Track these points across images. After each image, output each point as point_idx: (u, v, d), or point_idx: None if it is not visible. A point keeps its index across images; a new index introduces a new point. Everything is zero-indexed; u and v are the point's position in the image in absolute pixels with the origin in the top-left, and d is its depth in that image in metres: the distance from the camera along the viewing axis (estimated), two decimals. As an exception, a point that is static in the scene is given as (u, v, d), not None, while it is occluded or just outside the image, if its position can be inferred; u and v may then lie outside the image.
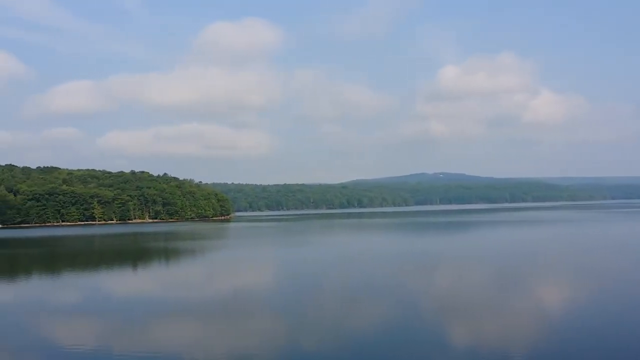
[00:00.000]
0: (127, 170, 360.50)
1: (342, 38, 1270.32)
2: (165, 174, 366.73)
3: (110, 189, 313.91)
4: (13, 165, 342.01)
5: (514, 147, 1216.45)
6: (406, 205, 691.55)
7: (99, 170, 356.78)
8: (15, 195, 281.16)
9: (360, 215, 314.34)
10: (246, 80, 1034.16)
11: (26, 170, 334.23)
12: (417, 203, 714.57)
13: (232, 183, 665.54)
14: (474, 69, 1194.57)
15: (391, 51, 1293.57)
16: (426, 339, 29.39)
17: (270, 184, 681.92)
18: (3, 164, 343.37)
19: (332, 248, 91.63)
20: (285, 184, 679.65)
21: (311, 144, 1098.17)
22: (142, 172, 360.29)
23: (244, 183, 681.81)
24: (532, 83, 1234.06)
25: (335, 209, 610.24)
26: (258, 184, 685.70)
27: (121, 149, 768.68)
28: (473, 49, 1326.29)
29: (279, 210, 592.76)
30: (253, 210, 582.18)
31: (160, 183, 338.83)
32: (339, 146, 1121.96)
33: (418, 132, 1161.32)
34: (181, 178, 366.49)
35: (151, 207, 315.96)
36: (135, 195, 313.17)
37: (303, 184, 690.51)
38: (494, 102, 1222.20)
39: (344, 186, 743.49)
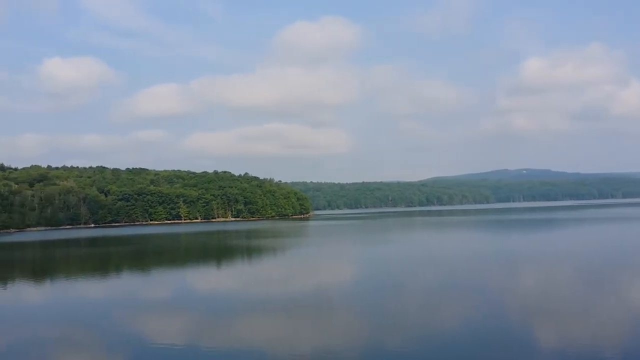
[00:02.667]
0: (210, 170, 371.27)
1: (421, 33, 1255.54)
2: (246, 173, 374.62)
3: (194, 188, 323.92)
4: (104, 167, 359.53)
5: (602, 141, 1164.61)
6: (487, 202, 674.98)
7: (184, 171, 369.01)
8: (106, 195, 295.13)
9: (439, 213, 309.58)
10: (325, 79, 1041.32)
11: (116, 171, 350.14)
12: (499, 200, 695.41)
13: (311, 182, 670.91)
14: (560, 61, 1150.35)
15: (471, 45, 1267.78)
16: (512, 338, 28.46)
17: (348, 182, 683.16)
18: (94, 165, 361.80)
19: (412, 246, 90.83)
20: (363, 182, 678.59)
21: (389, 142, 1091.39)
22: (225, 172, 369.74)
23: (323, 182, 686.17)
24: (621, 74, 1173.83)
25: (414, 206, 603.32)
26: (336, 182, 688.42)
27: (205, 150, 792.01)
28: (558, 41, 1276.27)
29: (357, 208, 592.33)
30: (332, 209, 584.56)
31: (241, 182, 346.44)
32: (417, 143, 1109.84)
33: (499, 127, 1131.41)
34: (262, 177, 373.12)
35: (233, 206, 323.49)
36: (218, 195, 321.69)
37: (381, 182, 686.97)
38: (581, 95, 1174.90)
39: (423, 184, 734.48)
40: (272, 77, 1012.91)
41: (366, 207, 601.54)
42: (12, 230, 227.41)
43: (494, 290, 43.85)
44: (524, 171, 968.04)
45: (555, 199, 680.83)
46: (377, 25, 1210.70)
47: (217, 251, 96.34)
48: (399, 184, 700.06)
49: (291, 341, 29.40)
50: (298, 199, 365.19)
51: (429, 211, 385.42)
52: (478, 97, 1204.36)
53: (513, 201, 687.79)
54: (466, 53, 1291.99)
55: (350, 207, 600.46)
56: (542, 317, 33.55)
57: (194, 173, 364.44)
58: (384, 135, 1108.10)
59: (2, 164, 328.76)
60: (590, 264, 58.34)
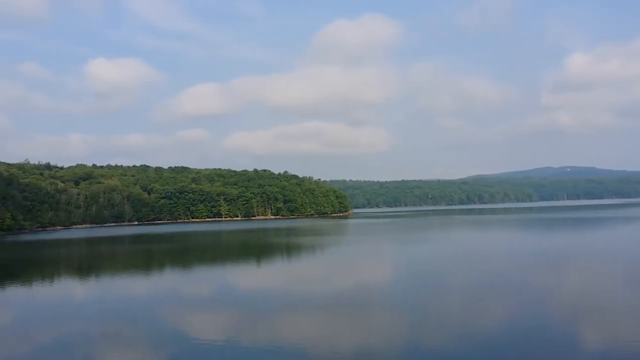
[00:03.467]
0: (250, 169, 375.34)
1: (462, 30, 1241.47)
2: (285, 171, 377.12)
3: (235, 187, 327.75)
4: (147, 166, 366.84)
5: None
6: (530, 201, 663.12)
7: (225, 169, 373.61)
8: (149, 193, 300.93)
9: (481, 212, 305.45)
10: (364, 77, 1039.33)
11: (159, 170, 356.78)
12: (542, 199, 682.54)
13: (350, 180, 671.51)
14: (605, 57, 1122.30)
15: (514, 41, 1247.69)
16: (554, 339, 27.83)
17: (388, 181, 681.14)
18: (138, 164, 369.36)
19: (451, 245, 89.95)
20: (403, 180, 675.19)
21: (430, 139, 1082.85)
22: (264, 170, 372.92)
23: (362, 180, 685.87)
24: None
25: (455, 205, 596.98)
26: (376, 180, 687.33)
27: (245, 149, 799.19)
28: (603, 36, 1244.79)
29: (396, 206, 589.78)
30: (371, 207, 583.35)
31: (281, 181, 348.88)
32: (458, 141, 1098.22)
33: (543, 124, 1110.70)
34: (301, 176, 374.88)
35: (273, 204, 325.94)
36: (258, 193, 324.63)
37: (421, 180, 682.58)
38: (627, 91, 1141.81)
39: (463, 182, 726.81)
40: (312, 75, 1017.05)
41: (405, 206, 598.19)
42: (59, 227, 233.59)
43: (536, 290, 43.11)
44: (568, 169, 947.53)
45: (601, 197, 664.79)
46: (417, 22, 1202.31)
47: (257, 249, 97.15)
48: (439, 182, 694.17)
49: (331, 340, 29.43)
50: (337, 197, 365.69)
51: (469, 210, 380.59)
52: (521, 93, 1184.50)
53: (556, 199, 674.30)
54: (508, 49, 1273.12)
55: (390, 206, 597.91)
56: (586, 317, 32.87)
57: (234, 171, 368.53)
58: (424, 133, 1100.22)
59: (48, 163, 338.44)
60: (637, 264, 56.84)
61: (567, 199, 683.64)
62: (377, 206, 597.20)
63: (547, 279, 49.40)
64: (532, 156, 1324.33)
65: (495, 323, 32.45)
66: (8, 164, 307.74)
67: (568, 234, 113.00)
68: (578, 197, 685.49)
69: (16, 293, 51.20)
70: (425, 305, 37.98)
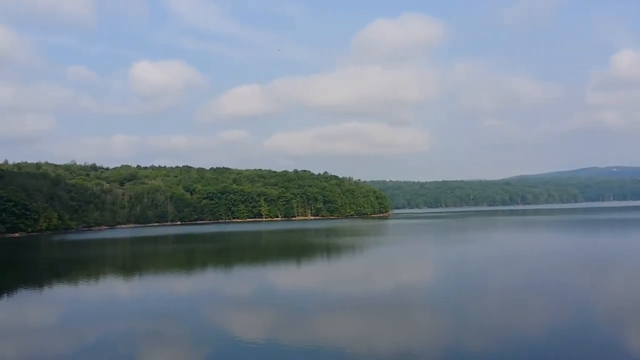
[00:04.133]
0: (290, 169, 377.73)
1: (504, 28, 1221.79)
2: (325, 172, 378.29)
3: (275, 187, 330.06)
4: (189, 167, 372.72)
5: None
6: (575, 201, 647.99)
7: (265, 170, 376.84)
8: (191, 194, 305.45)
9: (524, 213, 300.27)
10: (405, 76, 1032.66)
11: (201, 171, 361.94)
12: (588, 199, 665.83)
13: (390, 180, 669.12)
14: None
15: (558, 38, 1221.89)
16: (598, 342, 27.15)
17: (428, 181, 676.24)
18: (180, 165, 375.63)
19: (493, 246, 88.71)
20: (443, 181, 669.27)
21: (471, 139, 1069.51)
22: (304, 170, 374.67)
23: (402, 180, 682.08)
24: None
25: (497, 206, 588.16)
26: (416, 181, 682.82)
27: (285, 149, 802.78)
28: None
29: (437, 207, 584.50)
30: (411, 208, 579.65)
31: (321, 181, 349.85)
32: (500, 140, 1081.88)
33: (588, 123, 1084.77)
34: (340, 176, 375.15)
35: (313, 204, 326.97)
36: (298, 194, 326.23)
37: (462, 181, 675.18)
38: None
39: (506, 182, 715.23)
40: (352, 76, 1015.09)
41: (446, 206, 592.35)
42: (104, 227, 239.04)
43: (579, 292, 42.13)
44: (615, 169, 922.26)
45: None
46: (459, 21, 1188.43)
47: (297, 249, 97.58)
48: (480, 182, 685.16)
49: (370, 340, 29.33)
50: (377, 197, 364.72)
51: (512, 210, 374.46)
52: (565, 92, 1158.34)
53: (602, 200, 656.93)
54: (552, 46, 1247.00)
55: (430, 206, 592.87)
56: (631, 320, 32.03)
57: (274, 172, 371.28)
58: (466, 132, 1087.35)
59: (94, 164, 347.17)
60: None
61: (614, 199, 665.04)
62: (418, 207, 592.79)
63: (591, 281, 48.29)
64: (577, 156, 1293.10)
65: (537, 326, 31.83)
66: (55, 165, 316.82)
67: (614, 235, 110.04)
68: (625, 198, 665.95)
69: (62, 292, 52.59)
70: (466, 306, 37.52)
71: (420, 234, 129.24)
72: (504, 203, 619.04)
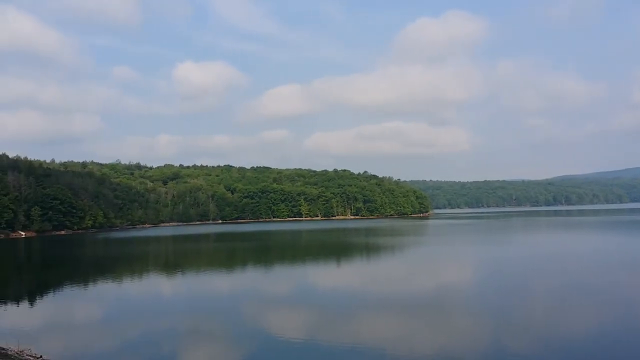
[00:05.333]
0: (330, 169, 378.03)
1: (548, 26, 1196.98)
2: (365, 172, 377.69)
3: (315, 187, 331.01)
4: (230, 166, 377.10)
5: None
6: (620, 202, 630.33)
7: (305, 169, 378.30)
8: (232, 193, 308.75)
9: (567, 213, 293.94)
10: (447, 76, 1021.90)
11: (242, 170, 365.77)
12: (634, 200, 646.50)
13: (431, 180, 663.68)
14: None
15: (604, 36, 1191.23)
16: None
17: (469, 181, 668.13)
18: (222, 164, 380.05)
19: (536, 247, 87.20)
20: (485, 181, 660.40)
21: (514, 139, 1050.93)
22: (344, 170, 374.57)
23: (443, 180, 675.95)
24: None
25: (540, 206, 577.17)
26: (457, 180, 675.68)
27: (325, 149, 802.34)
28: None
29: (478, 207, 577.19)
30: (452, 208, 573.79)
31: (360, 181, 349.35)
32: (544, 140, 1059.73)
33: (634, 123, 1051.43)
34: (380, 176, 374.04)
35: (353, 204, 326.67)
36: (338, 193, 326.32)
37: (504, 181, 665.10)
38: None
39: (549, 182, 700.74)
40: (393, 75, 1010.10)
41: (488, 207, 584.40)
42: (148, 225, 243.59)
43: (624, 294, 41.14)
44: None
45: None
46: (503, 19, 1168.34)
47: (336, 248, 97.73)
48: (523, 182, 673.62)
49: (410, 341, 29.23)
50: (417, 197, 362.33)
51: (555, 211, 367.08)
52: (611, 90, 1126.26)
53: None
54: (598, 44, 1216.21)
55: (471, 206, 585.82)
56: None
57: (314, 171, 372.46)
58: (508, 132, 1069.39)
59: (138, 163, 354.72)
60: None
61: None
62: (459, 207, 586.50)
63: (637, 282, 47.10)
64: (623, 156, 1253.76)
65: (580, 329, 31.21)
66: (101, 164, 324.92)
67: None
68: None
69: (107, 288, 53.86)
70: (508, 308, 36.99)
71: (461, 235, 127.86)
72: (547, 203, 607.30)
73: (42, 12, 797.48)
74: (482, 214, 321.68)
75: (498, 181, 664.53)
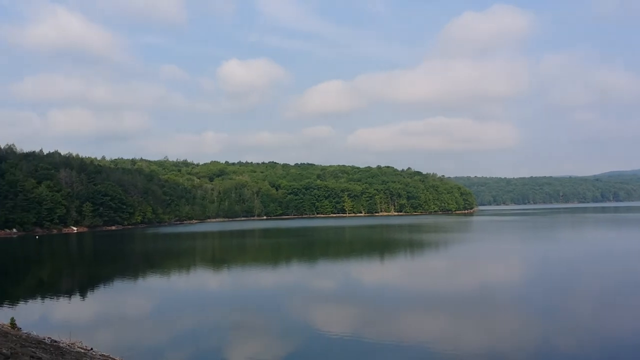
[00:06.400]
0: (373, 165, 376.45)
1: (595, 19, 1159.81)
2: (409, 168, 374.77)
3: (358, 183, 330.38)
4: (275, 163, 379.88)
5: None
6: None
7: (349, 166, 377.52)
8: (276, 189, 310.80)
9: (616, 210, 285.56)
10: (493, 70, 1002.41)
11: (286, 166, 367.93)
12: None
13: (475, 176, 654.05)
14: None
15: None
16: None
17: (515, 177, 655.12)
18: (266, 161, 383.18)
19: (584, 244, 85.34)
20: (531, 177, 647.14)
21: (561, 134, 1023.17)
22: (388, 166, 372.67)
23: (488, 176, 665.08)
24: None
25: (588, 202, 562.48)
26: (502, 177, 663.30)
27: (369, 145, 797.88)
28: None
29: (524, 204, 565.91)
30: (497, 204, 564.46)
31: (404, 177, 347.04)
32: (592, 135, 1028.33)
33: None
34: (424, 172, 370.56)
35: (396, 200, 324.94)
36: (382, 189, 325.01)
37: (551, 177, 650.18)
38: None
39: (597, 178, 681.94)
40: (437, 70, 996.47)
41: (534, 203, 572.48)
42: (194, 221, 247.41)
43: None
44: None
45: None
46: (550, 11, 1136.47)
47: (380, 244, 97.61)
48: (570, 178, 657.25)
49: (455, 340, 29.07)
50: (462, 193, 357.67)
51: (604, 208, 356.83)
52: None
53: None
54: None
55: (517, 203, 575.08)
56: None
57: (358, 168, 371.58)
58: (555, 127, 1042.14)
59: (185, 160, 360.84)
60: None
61: None
62: (504, 203, 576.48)
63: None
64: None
65: (630, 328, 30.57)
66: (149, 161, 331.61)
67: None
68: None
69: (156, 282, 55.27)
70: (556, 307, 36.42)
71: (508, 232, 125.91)
72: (595, 200, 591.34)
73: (92, 12, 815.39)
74: (529, 211, 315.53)
75: (545, 177, 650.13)
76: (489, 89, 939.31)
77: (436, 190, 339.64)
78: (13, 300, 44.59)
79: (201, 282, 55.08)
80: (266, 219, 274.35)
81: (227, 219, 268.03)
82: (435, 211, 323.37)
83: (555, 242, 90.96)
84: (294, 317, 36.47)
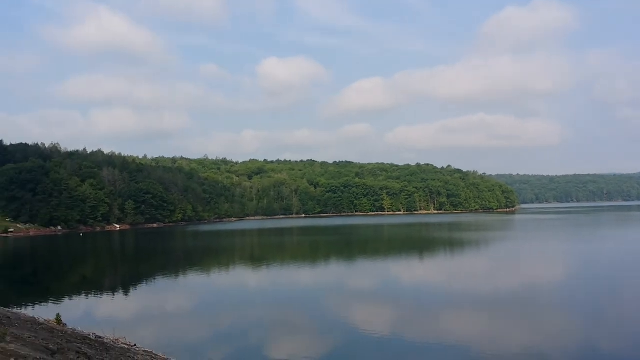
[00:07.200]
0: (413, 163, 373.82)
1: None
2: (449, 166, 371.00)
3: (397, 181, 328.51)
4: (313, 161, 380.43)
5: None
6: None
7: (387, 164, 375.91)
8: (315, 187, 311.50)
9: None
10: (534, 66, 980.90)
11: (324, 164, 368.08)
12: None
13: (517, 174, 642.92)
14: None
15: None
16: None
17: (558, 175, 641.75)
18: (305, 159, 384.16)
19: (628, 243, 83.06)
20: (575, 175, 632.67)
21: (605, 131, 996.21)
22: (427, 164, 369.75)
23: (530, 174, 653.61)
24: None
25: (633, 201, 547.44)
26: (545, 174, 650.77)
27: (408, 143, 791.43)
28: None
29: (568, 202, 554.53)
30: (540, 202, 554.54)
31: (444, 175, 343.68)
32: (638, 132, 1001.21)
33: None
34: (465, 170, 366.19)
35: (436, 198, 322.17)
36: (421, 187, 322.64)
37: (595, 174, 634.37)
38: None
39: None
40: (478, 66, 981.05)
41: (578, 201, 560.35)
42: (234, 219, 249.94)
43: None
44: None
45: None
46: (594, 6, 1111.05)
47: (419, 243, 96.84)
48: (615, 176, 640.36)
49: (496, 340, 28.64)
50: (503, 192, 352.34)
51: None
52: None
53: None
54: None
55: (560, 201, 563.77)
56: None
57: (397, 166, 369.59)
58: (600, 124, 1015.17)
59: (225, 158, 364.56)
60: None
61: None
62: (547, 201, 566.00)
63: None
64: None
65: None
66: (189, 160, 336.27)
67: None
68: None
69: (197, 280, 55.93)
70: (599, 308, 35.56)
71: (551, 231, 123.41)
72: (639, 198, 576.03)
73: (134, 12, 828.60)
74: (572, 209, 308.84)
75: (589, 175, 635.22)
76: (531, 85, 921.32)
77: (477, 188, 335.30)
78: (58, 296, 45.74)
79: (241, 279, 55.52)
80: (304, 217, 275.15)
81: (265, 217, 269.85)
82: (476, 209, 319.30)
83: (601, 242, 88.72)
84: (333, 315, 36.42)
